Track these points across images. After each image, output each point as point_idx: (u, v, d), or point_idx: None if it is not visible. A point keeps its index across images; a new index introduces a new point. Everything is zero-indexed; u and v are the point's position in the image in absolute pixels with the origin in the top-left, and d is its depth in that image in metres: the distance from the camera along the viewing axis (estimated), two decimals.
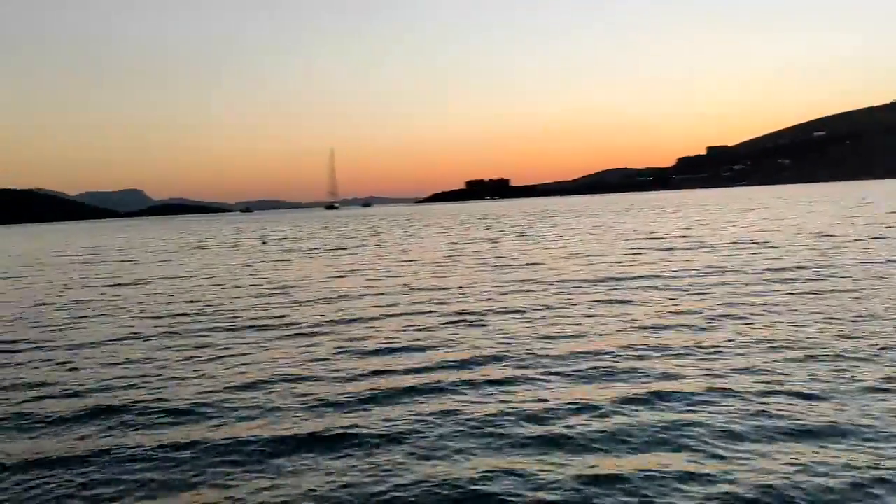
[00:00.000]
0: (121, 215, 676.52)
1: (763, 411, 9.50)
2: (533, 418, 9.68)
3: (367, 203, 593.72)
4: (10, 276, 40.00)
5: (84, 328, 19.30)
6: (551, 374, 11.94)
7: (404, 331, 16.46)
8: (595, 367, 12.14)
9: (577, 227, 62.28)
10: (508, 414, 9.90)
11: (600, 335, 14.79)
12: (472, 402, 10.56)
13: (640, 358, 12.71)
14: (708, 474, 7.66)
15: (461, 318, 17.78)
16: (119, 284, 31.48)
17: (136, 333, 17.88)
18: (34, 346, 16.92)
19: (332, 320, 18.50)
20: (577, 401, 10.29)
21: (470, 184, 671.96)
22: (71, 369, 14.15)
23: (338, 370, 12.94)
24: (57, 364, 14.69)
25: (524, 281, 24.72)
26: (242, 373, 13.08)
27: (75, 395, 12.10)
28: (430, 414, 10.06)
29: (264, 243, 64.57)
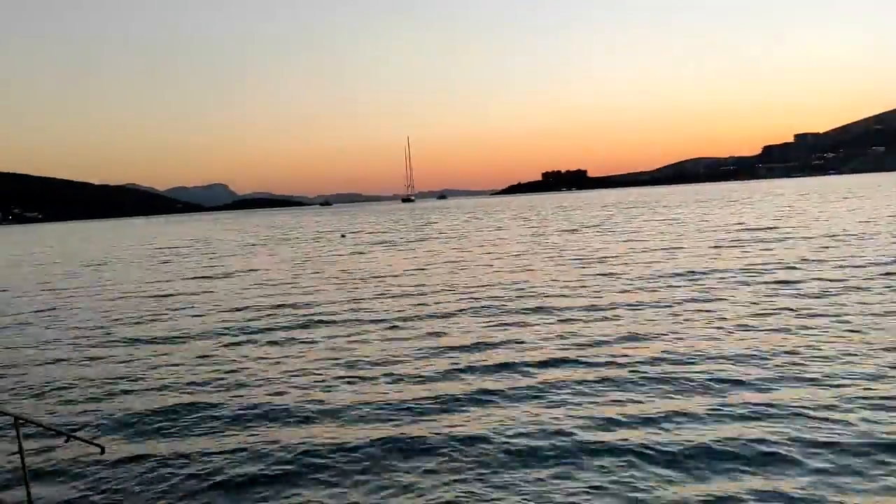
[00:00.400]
0: (206, 209, 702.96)
1: (868, 432, 8.57)
2: (622, 425, 9.20)
3: (442, 196, 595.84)
4: (108, 268, 41.84)
5: (174, 321, 19.84)
6: (637, 377, 11.37)
7: (484, 327, 16.18)
8: (682, 372, 11.42)
9: (659, 219, 60.22)
10: (594, 420, 9.44)
11: (687, 336, 14.02)
12: (556, 407, 10.15)
13: (729, 361, 11.94)
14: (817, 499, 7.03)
15: (542, 313, 17.39)
16: (206, 277, 32.41)
17: (221, 328, 18.24)
18: (130, 338, 17.50)
19: (413, 315, 18.37)
20: (668, 410, 9.65)
21: (546, 175, 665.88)
22: (163, 364, 14.49)
23: (421, 367, 12.79)
24: (151, 357, 15.11)
25: (606, 275, 23.99)
26: (328, 370, 13.07)
27: (166, 389, 12.37)
28: (516, 419, 9.70)
29: (343, 236, 65.73)
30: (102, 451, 7.26)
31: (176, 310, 22.35)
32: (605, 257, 30.28)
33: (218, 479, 8.35)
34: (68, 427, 9.89)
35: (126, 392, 12.36)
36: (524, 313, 17.76)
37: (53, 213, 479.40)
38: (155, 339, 17.44)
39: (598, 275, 24.45)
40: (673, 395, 10.45)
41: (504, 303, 19.58)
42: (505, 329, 15.94)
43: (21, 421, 7.40)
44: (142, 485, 8.29)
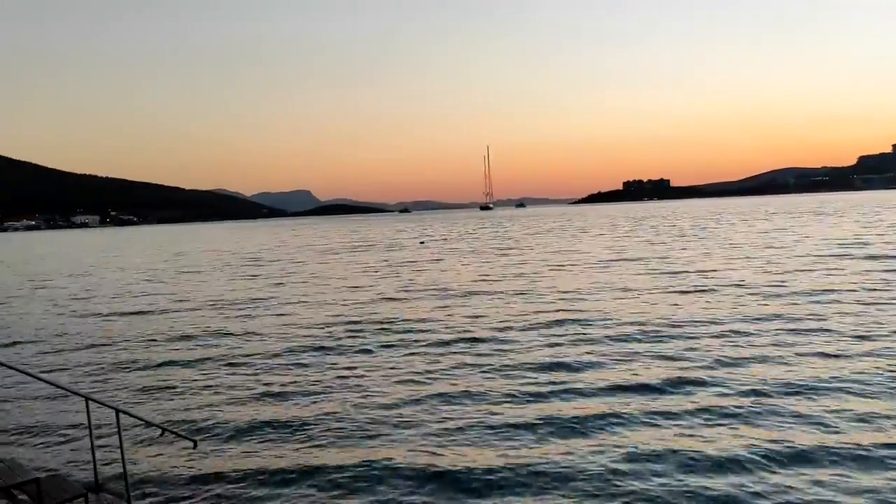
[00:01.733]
0: (289, 215, 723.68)
1: None
2: (732, 464, 8.34)
3: (520, 204, 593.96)
4: (199, 270, 43.33)
5: (248, 330, 20.19)
6: (742, 408, 10.13)
7: (573, 345, 15.04)
8: (796, 404, 10.22)
9: (750, 231, 57.47)
10: (702, 458, 8.73)
11: (793, 363, 12.65)
12: (655, 437, 9.62)
13: (847, 394, 10.88)
14: None
15: (634, 332, 16.12)
16: (278, 284, 33.01)
17: (297, 337, 18.40)
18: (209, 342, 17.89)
19: (494, 328, 17.91)
20: (784, 447, 8.63)
21: (627, 184, 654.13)
22: (253, 373, 14.69)
23: (504, 387, 12.42)
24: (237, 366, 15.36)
25: (701, 291, 22.40)
26: (410, 387, 12.91)
27: (260, 393, 12.50)
28: (611, 446, 9.14)
29: (422, 243, 66.04)
30: (195, 446, 7.33)
31: (291, 318, 22.71)
32: (703, 270, 28.84)
33: (307, 481, 8.27)
34: (165, 421, 10.05)
35: (220, 392, 12.53)
36: (615, 327, 17.16)
37: (147, 216, 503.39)
38: (260, 348, 17.71)
39: (693, 290, 23.35)
40: (782, 427, 9.68)
41: (591, 316, 18.97)
42: (596, 346, 15.40)
43: (121, 413, 7.55)
44: (232, 480, 8.33)
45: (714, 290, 22.06)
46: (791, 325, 15.89)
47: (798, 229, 55.27)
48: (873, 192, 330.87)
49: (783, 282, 23.27)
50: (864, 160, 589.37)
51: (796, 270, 26.41)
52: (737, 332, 15.29)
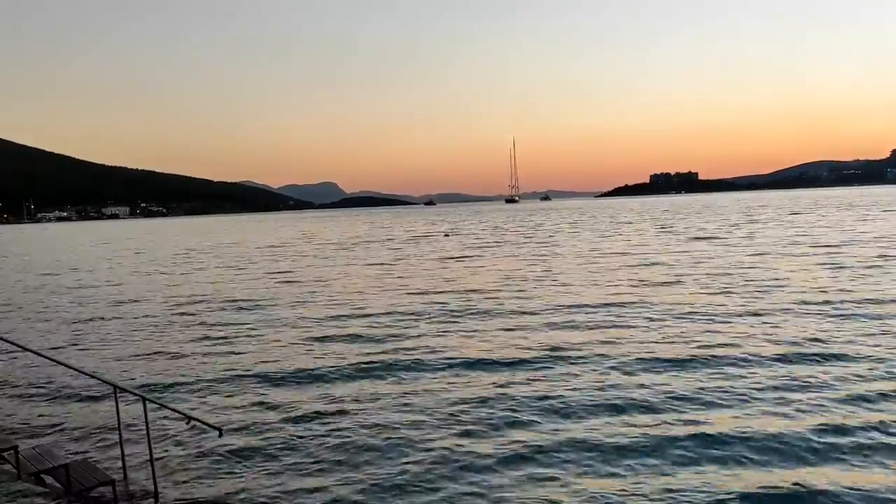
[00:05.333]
0: (316, 207, 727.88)
1: None
2: None
3: (545, 197, 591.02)
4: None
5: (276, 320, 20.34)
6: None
7: (604, 374, 12.03)
8: None
9: (799, 227, 52.33)
10: None
11: None
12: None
13: None
14: None
15: (702, 355, 13.03)
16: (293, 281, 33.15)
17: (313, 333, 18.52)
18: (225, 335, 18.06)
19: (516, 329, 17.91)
20: None
21: (654, 177, 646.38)
22: (278, 365, 14.78)
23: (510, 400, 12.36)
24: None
25: (766, 303, 18.46)
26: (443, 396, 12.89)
27: (283, 381, 12.59)
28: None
29: (446, 235, 66.05)
30: (221, 434, 7.39)
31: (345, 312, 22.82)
32: (761, 281, 24.40)
33: (334, 472, 8.31)
34: (190, 410, 10.15)
35: (245, 383, 12.63)
36: (672, 343, 16.95)
37: (175, 208, 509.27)
38: (289, 335, 17.85)
39: (752, 299, 22.64)
40: None
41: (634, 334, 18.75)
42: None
43: (148, 401, 7.65)
44: (257, 470, 8.40)
45: None
46: None
47: None
48: None
49: None
50: None
51: None
52: None
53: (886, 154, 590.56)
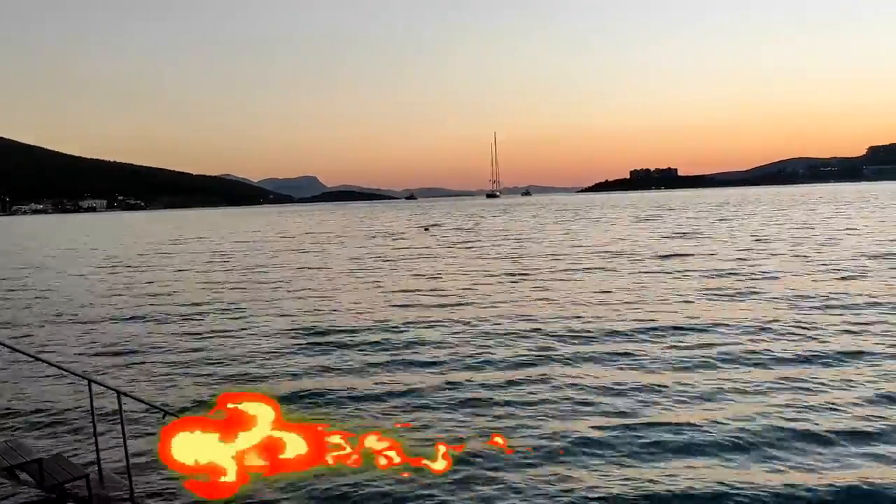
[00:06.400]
0: (296, 201, 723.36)
1: None
2: None
3: (526, 192, 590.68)
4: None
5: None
6: None
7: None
8: None
9: (783, 224, 52.85)
10: None
11: None
12: None
13: None
14: None
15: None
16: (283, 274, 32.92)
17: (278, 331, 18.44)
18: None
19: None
20: None
21: (634, 173, 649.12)
22: (252, 357, 14.73)
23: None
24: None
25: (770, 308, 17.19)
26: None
27: (259, 371, 12.54)
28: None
29: (426, 230, 66.15)
30: None
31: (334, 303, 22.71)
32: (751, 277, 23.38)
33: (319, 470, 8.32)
34: (165, 404, 10.11)
35: (221, 376, 12.62)
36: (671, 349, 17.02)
37: (153, 201, 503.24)
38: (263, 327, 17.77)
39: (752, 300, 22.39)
40: None
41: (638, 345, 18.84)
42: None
43: (123, 395, 7.60)
44: None
45: None
46: None
47: None
48: (885, 184, 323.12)
49: None
50: (873, 151, 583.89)
51: None
52: None
53: (863, 152, 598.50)
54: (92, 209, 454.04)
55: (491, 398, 10.47)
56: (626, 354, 12.86)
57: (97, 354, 14.63)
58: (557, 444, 8.62)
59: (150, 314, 19.67)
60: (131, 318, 19.19)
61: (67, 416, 10.30)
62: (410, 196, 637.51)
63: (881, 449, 8.17)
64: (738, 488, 7.28)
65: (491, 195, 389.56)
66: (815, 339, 13.55)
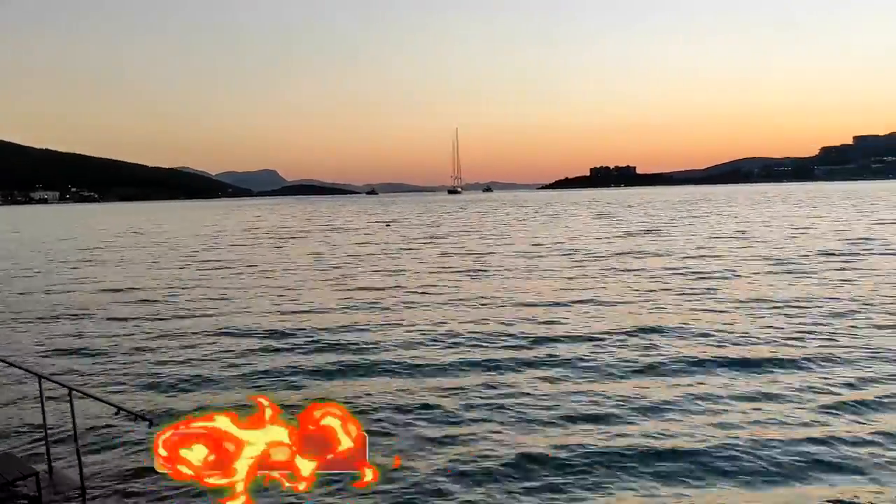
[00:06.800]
0: (255, 195, 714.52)
1: None
2: None
3: (487, 188, 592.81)
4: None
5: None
6: None
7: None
8: None
9: (740, 221, 54.32)
10: None
11: None
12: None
13: None
14: None
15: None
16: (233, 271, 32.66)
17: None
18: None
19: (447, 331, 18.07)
20: None
21: (594, 170, 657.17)
22: (208, 352, 14.60)
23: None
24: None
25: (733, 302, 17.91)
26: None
27: (208, 366, 12.45)
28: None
29: (388, 225, 66.22)
30: (151, 425, 7.27)
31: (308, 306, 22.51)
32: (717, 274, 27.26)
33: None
34: (119, 400, 9.99)
35: (175, 371, 12.49)
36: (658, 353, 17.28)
37: (107, 194, 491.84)
38: (225, 325, 17.60)
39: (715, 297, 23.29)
40: None
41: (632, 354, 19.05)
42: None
43: (75, 392, 7.50)
44: None
45: None
46: None
47: None
48: (836, 184, 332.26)
49: None
50: (825, 151, 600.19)
51: None
52: None
53: (815, 152, 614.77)
54: (44, 201, 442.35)
55: (440, 405, 10.21)
56: (584, 358, 12.71)
57: (49, 351, 14.34)
58: (514, 452, 8.70)
59: (103, 310, 19.32)
60: (83, 314, 18.81)
61: (17, 413, 10.09)
62: (372, 191, 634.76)
63: (840, 457, 8.22)
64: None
65: (453, 191, 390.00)
66: (768, 342, 13.77)
